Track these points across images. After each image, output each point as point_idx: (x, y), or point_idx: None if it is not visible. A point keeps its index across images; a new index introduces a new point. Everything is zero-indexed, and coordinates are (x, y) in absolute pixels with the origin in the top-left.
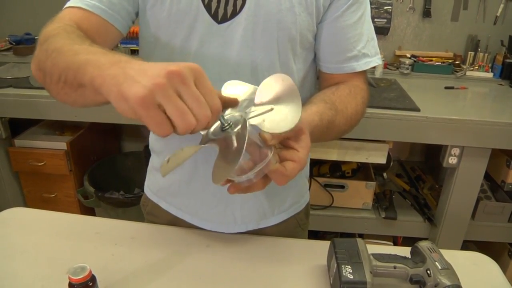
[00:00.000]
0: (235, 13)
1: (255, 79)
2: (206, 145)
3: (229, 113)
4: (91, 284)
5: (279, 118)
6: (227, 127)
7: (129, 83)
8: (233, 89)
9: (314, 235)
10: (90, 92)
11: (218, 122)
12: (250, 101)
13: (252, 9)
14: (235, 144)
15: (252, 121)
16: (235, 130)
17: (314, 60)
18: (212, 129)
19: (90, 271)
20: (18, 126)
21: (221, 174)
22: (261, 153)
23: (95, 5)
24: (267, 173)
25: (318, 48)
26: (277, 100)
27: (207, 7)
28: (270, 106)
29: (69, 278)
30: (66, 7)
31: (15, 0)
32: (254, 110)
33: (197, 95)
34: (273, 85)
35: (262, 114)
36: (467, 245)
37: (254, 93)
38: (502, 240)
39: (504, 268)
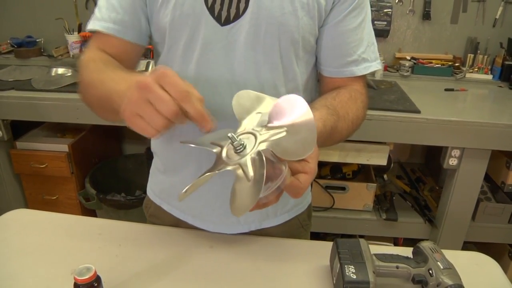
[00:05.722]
0: (238, 16)
1: (258, 82)
2: (221, 171)
3: (241, 130)
4: (96, 284)
5: (292, 145)
6: (241, 148)
7: (123, 107)
8: (245, 99)
9: (315, 236)
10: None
11: (229, 141)
12: (263, 115)
13: (255, 12)
14: (251, 173)
15: (265, 145)
16: (250, 154)
17: (316, 64)
18: (224, 151)
19: (95, 272)
20: (19, 128)
21: (241, 207)
22: (274, 167)
23: (110, 27)
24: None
25: (319, 51)
26: (292, 126)
27: (211, 10)
28: (284, 129)
29: (75, 278)
30: (88, 30)
31: (16, 3)
32: (267, 132)
33: (160, 95)
34: (290, 108)
35: (275, 138)
36: (467, 246)
37: (267, 103)
38: (502, 241)
39: (504, 269)
